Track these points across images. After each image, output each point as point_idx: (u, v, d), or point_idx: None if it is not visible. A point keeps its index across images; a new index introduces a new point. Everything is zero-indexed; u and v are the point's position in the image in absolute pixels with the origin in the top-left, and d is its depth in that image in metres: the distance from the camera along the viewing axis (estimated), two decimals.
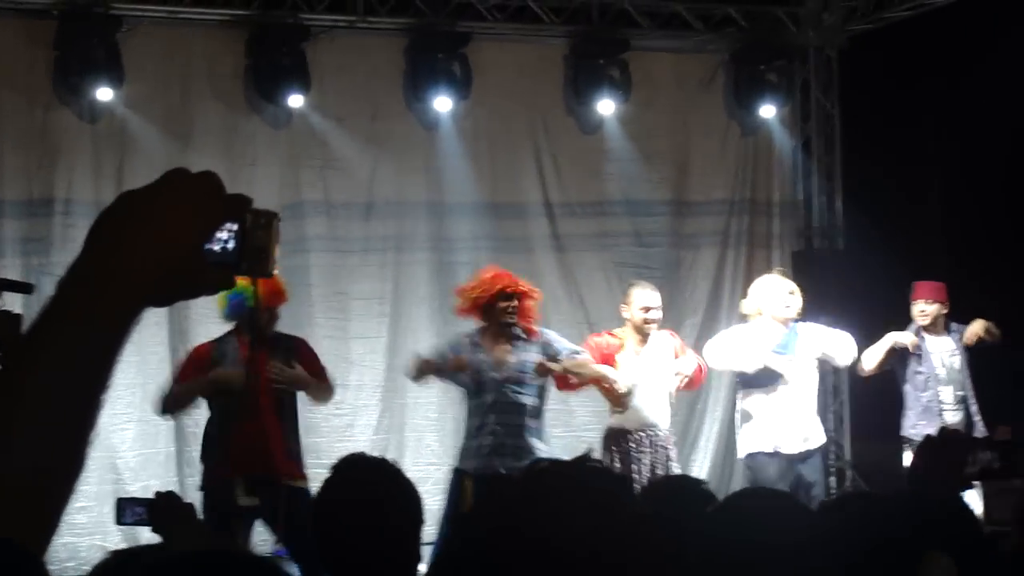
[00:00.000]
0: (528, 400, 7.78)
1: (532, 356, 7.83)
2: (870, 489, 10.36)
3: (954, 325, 9.00)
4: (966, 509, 3.22)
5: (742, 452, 8.50)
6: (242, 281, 5.30)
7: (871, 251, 11.01)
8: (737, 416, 8.59)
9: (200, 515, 6.95)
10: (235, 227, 1.42)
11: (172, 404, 7.53)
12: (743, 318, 8.75)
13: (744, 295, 11.42)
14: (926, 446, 3.16)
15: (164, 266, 1.37)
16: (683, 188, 11.41)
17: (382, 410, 10.26)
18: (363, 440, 9.84)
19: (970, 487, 3.23)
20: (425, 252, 10.52)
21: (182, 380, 7.42)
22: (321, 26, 10.13)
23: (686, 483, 3.84)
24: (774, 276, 8.67)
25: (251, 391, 7.09)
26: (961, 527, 3.03)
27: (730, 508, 2.56)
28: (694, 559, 2.37)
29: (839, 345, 8.56)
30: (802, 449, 8.22)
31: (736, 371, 8.49)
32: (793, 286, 8.43)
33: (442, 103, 10.36)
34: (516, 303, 7.78)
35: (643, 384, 7.92)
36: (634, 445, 7.86)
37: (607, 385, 7.87)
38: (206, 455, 7.37)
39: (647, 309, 8.00)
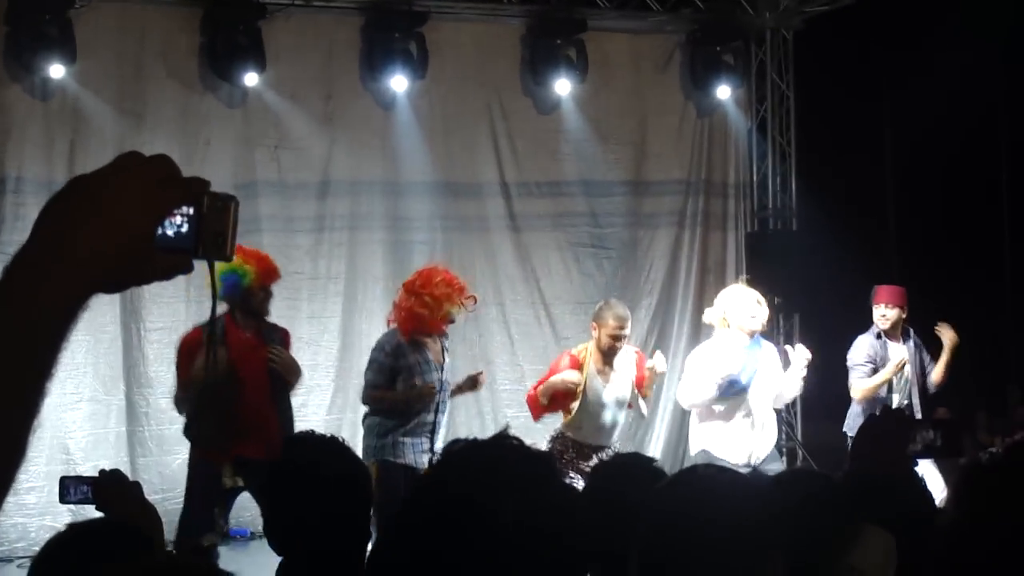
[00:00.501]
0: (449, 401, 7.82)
1: (448, 360, 7.76)
2: (819, 468, 10.44)
3: (912, 333, 8.95)
4: (908, 486, 3.26)
5: (694, 449, 8.20)
6: (237, 259, 5.18)
7: (825, 232, 11.08)
8: (693, 416, 8.26)
9: (185, 488, 6.99)
10: (190, 211, 1.40)
11: (182, 408, 7.36)
12: (707, 328, 8.56)
13: (700, 273, 11.52)
14: (869, 425, 3.18)
15: (113, 252, 1.35)
16: (639, 169, 11.44)
17: (335, 390, 10.24)
18: (316, 420, 9.82)
19: (913, 465, 3.24)
20: (380, 231, 10.50)
21: (182, 377, 7.21)
22: (277, 4, 10.03)
23: (636, 460, 3.86)
24: (740, 286, 8.52)
25: (243, 376, 7.05)
26: (901, 503, 3.07)
27: (679, 482, 2.57)
28: (643, 532, 2.39)
29: (785, 388, 8.24)
30: (751, 461, 7.97)
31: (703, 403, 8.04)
32: (759, 296, 8.18)
33: (398, 82, 10.34)
34: (460, 297, 7.66)
35: (607, 406, 7.79)
36: (584, 459, 7.71)
37: (567, 390, 7.70)
38: (196, 435, 7.22)
39: (616, 338, 7.71)
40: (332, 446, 3.53)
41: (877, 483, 3.02)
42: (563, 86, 10.90)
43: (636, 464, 3.71)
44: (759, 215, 11.92)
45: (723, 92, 11.45)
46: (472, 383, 7.90)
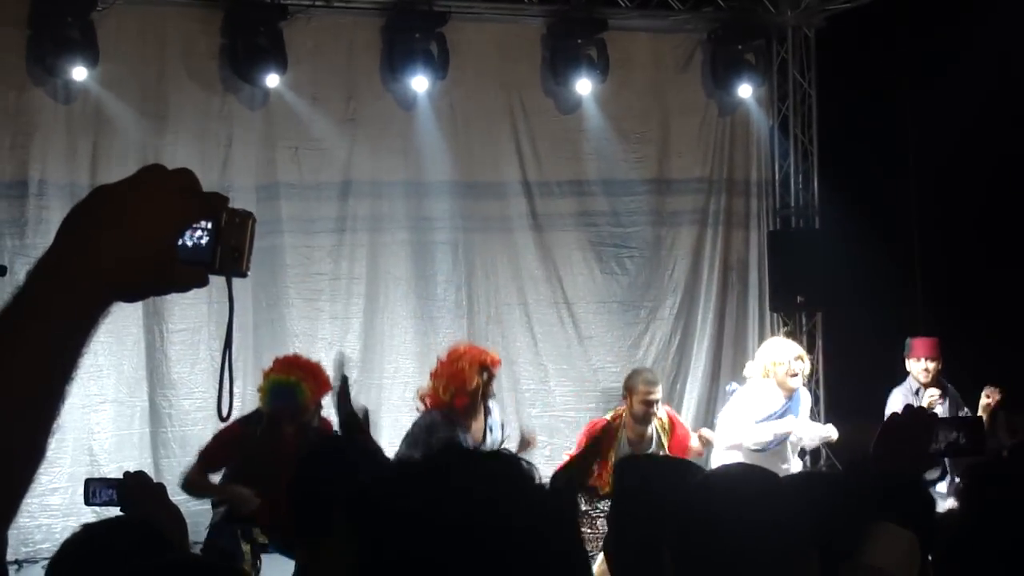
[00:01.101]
0: None
1: (492, 420, 7.54)
2: (843, 468, 10.39)
3: (947, 384, 8.80)
4: (923, 486, 3.25)
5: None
6: (292, 377, 5.20)
7: (847, 230, 11.03)
8: (715, 451, 8.20)
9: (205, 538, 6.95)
10: (209, 225, 1.42)
11: (191, 491, 7.27)
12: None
13: (722, 272, 11.49)
14: (891, 424, 3.17)
15: (134, 263, 1.37)
16: (661, 167, 11.43)
17: (357, 390, 10.21)
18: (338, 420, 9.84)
19: (936, 464, 3.24)
20: (402, 232, 10.50)
21: (208, 463, 7.16)
22: (298, 5, 10.06)
23: (666, 458, 3.85)
24: (780, 340, 8.45)
25: (281, 471, 6.94)
26: (924, 502, 3.06)
27: (712, 480, 2.57)
28: (677, 529, 2.38)
29: (804, 436, 8.31)
30: None
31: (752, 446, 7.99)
32: (800, 350, 8.15)
33: (419, 83, 10.34)
34: (490, 375, 7.41)
35: None
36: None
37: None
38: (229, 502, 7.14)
39: (649, 404, 7.71)
40: (359, 448, 3.54)
41: (899, 482, 3.01)
42: (584, 86, 10.89)
43: (665, 460, 3.72)
44: (781, 213, 11.90)
45: (745, 91, 11.43)
46: (525, 445, 7.74)
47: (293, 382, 7.00)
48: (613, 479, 3.69)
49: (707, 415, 11.22)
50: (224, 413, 1.53)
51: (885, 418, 8.56)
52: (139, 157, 9.12)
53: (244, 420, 7.09)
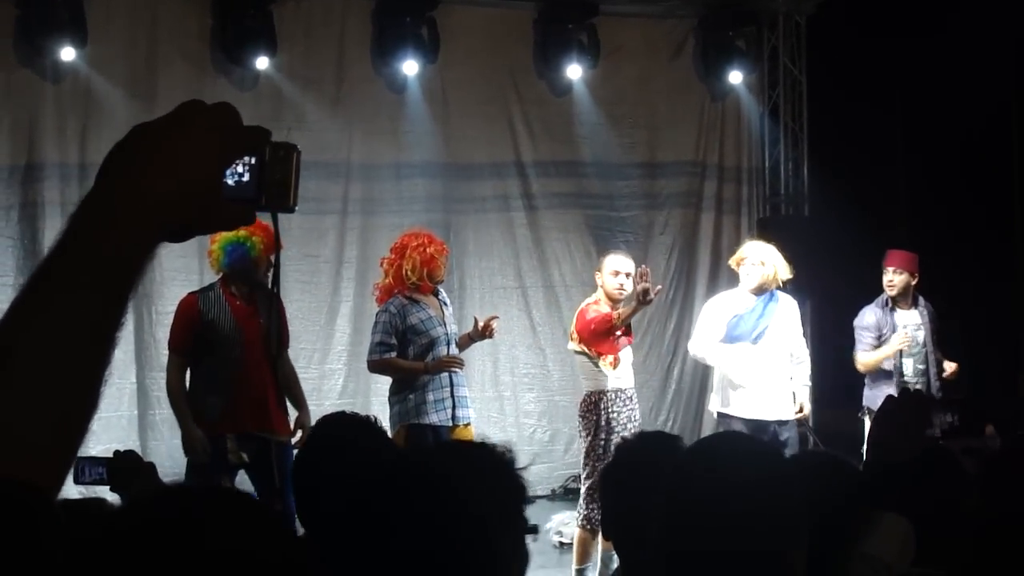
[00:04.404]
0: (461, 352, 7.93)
1: (449, 311, 7.88)
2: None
3: (922, 300, 8.94)
4: (929, 471, 3.24)
5: (714, 409, 8.43)
6: (242, 232, 5.23)
7: (837, 217, 11.04)
8: (713, 376, 8.55)
9: (185, 471, 6.99)
10: (252, 160, 1.39)
11: (171, 400, 7.33)
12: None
13: (713, 257, 11.51)
14: (887, 407, 3.15)
15: (179, 198, 1.33)
16: (652, 153, 11.43)
17: (347, 374, 10.23)
18: (329, 404, 9.80)
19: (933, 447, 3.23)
20: (393, 215, 10.45)
21: (179, 347, 7.24)
22: None
23: (662, 437, 3.84)
24: (756, 243, 8.67)
25: (246, 345, 7.08)
26: (923, 489, 3.05)
27: (703, 452, 2.54)
28: (665, 499, 2.36)
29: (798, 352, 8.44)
30: (776, 417, 8.12)
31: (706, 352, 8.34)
32: (766, 256, 8.31)
33: (410, 66, 10.30)
34: (444, 259, 7.78)
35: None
36: (611, 405, 7.88)
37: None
38: (200, 410, 7.15)
39: (616, 273, 7.96)
40: (365, 426, 3.53)
41: (897, 469, 3.00)
42: (575, 71, 10.87)
43: (659, 434, 3.70)
44: (771, 200, 11.89)
45: (735, 77, 11.42)
46: (483, 331, 7.86)
47: (243, 236, 7.01)
48: (614, 454, 3.66)
49: (700, 399, 11.23)
50: (273, 351, 1.52)
51: (855, 332, 8.86)
52: None
53: (197, 291, 7.29)
